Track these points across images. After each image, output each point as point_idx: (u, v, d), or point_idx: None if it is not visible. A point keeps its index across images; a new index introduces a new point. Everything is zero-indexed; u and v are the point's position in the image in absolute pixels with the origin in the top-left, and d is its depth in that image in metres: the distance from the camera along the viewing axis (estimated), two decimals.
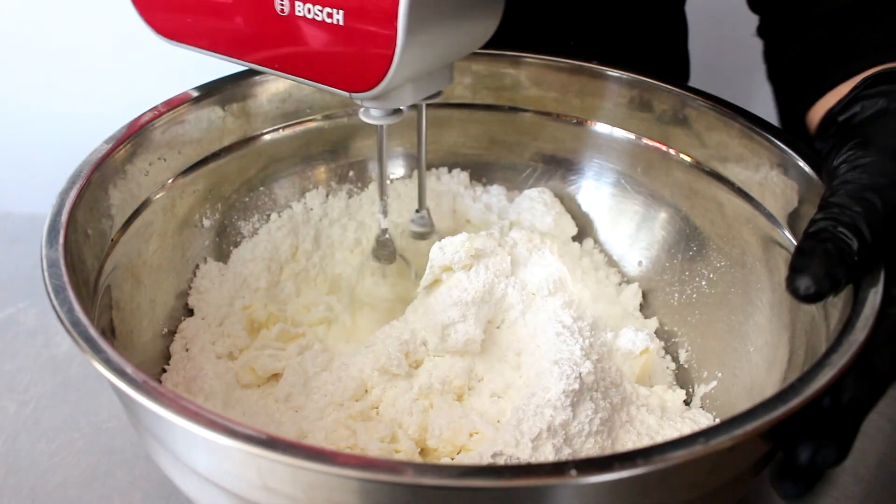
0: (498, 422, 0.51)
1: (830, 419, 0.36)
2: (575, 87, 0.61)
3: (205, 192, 0.58)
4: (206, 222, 0.58)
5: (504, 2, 0.45)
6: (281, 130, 0.61)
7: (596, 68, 0.60)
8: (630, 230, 0.62)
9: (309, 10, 0.40)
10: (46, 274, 0.40)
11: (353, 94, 0.41)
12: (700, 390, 0.54)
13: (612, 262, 0.63)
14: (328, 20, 0.39)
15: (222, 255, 0.60)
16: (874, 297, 0.39)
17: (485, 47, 0.61)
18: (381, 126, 0.49)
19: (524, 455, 0.44)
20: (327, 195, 0.64)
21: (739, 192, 0.55)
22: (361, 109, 0.46)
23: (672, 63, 0.83)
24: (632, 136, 0.61)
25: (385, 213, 0.54)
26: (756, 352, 0.51)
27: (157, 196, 0.54)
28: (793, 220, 0.50)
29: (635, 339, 0.54)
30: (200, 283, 0.57)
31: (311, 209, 0.63)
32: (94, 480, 0.52)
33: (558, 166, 0.64)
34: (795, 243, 0.49)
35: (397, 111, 0.46)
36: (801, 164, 0.50)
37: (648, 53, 0.77)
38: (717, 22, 0.99)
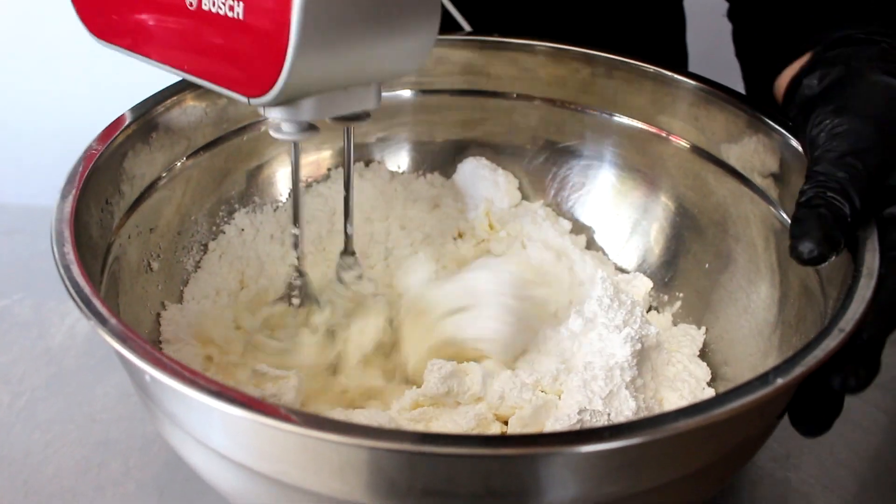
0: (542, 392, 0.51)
1: (853, 353, 0.39)
2: (577, 73, 0.62)
3: (146, 232, 0.53)
4: (155, 265, 0.54)
5: (438, 21, 0.41)
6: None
7: (596, 54, 0.61)
8: (632, 214, 0.62)
9: (213, 3, 0.38)
10: (66, 280, 0.39)
11: (252, 100, 0.38)
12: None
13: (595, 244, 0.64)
14: (229, 13, 0.37)
15: (178, 297, 0.56)
16: (872, 259, 0.41)
17: (486, 34, 0.62)
18: (295, 144, 0.45)
19: (601, 408, 0.47)
20: (253, 210, 0.61)
21: (736, 174, 0.55)
22: (271, 125, 0.42)
23: (670, 56, 0.83)
24: (631, 121, 0.61)
25: (298, 245, 0.49)
26: (753, 320, 0.53)
27: (113, 246, 0.49)
28: (787, 199, 0.51)
29: (637, 283, 0.59)
30: (167, 329, 0.53)
31: (243, 229, 0.60)
32: (87, 472, 0.52)
33: (559, 152, 0.64)
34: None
35: (312, 127, 0.42)
36: (795, 144, 0.50)
37: (646, 46, 0.77)
38: (715, 15, 0.98)
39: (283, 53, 0.36)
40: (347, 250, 0.52)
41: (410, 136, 0.66)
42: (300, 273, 0.51)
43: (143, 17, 0.43)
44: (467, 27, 0.63)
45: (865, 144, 0.43)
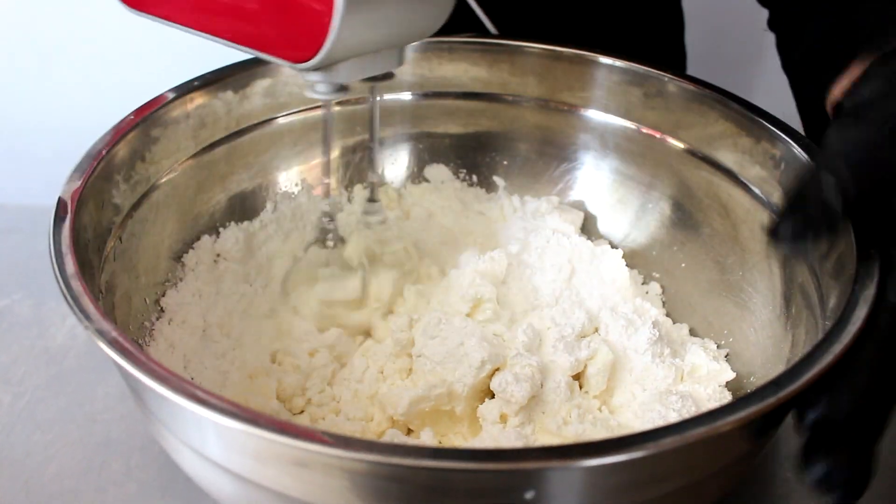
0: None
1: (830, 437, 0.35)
2: (568, 74, 0.61)
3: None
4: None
5: None
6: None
7: (589, 56, 0.60)
8: (626, 216, 0.62)
9: None
10: (63, 284, 0.40)
11: (297, 66, 0.42)
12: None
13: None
14: None
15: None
16: (870, 288, 0.40)
17: (477, 35, 0.62)
18: (328, 103, 0.51)
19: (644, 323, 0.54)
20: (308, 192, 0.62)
21: (733, 178, 0.55)
22: (308, 87, 0.46)
23: (668, 56, 0.83)
24: (626, 122, 0.61)
25: (327, 194, 0.56)
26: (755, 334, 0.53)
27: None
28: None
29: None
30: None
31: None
32: (89, 472, 0.52)
33: (553, 155, 0.64)
34: None
35: (343, 88, 0.46)
36: (795, 148, 0.50)
37: (644, 46, 0.77)
38: (714, 15, 0.99)
39: (327, 24, 0.39)
40: (373, 198, 0.57)
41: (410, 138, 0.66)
42: (331, 217, 0.55)
43: None
44: (493, 30, 0.63)
45: (879, 154, 0.40)
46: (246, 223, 0.60)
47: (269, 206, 0.61)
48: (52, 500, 0.50)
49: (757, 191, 0.54)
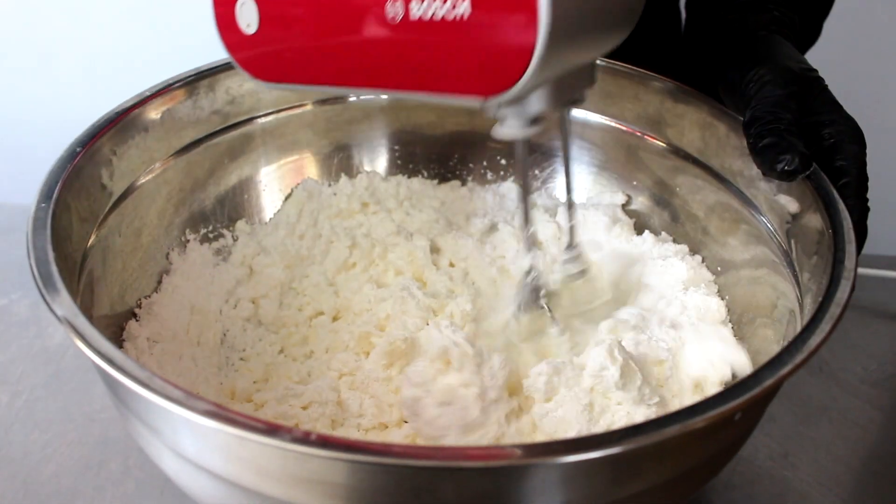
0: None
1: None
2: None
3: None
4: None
5: None
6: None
7: None
8: (606, 215, 0.62)
9: (426, 10, 0.35)
10: (38, 277, 0.40)
11: (490, 98, 0.36)
12: None
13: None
14: (450, 15, 0.35)
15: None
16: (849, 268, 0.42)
17: None
18: (521, 142, 0.43)
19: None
20: (198, 242, 0.59)
21: (717, 177, 0.56)
22: (495, 126, 0.39)
23: (666, 57, 0.83)
24: (607, 120, 0.61)
25: (530, 247, 0.47)
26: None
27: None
28: (769, 204, 0.52)
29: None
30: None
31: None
32: (87, 471, 0.52)
33: (537, 152, 0.64)
34: (770, 227, 0.51)
35: (537, 121, 0.39)
36: None
37: (642, 48, 0.77)
38: None
39: (531, 43, 0.33)
40: (571, 243, 0.52)
41: (388, 137, 0.66)
42: (536, 274, 0.48)
43: (333, 46, 0.40)
44: None
45: (793, 88, 0.50)
46: (155, 295, 0.55)
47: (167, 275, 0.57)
48: (51, 499, 0.51)
49: (741, 189, 0.54)
